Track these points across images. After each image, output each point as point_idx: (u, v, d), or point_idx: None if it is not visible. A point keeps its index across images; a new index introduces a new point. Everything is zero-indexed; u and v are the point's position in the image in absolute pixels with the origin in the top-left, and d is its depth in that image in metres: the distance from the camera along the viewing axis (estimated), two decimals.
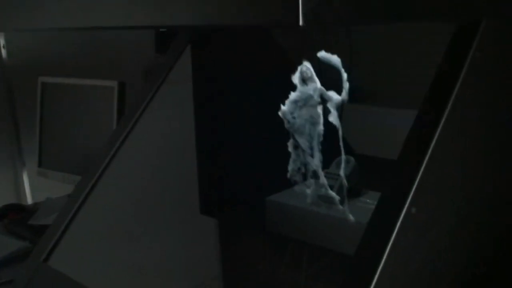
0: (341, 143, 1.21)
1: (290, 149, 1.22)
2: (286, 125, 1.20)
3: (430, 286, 0.86)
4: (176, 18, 0.66)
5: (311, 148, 1.22)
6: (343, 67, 1.73)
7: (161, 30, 1.75)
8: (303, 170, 1.22)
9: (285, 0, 0.58)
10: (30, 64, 2.14)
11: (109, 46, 2.25)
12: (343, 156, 1.22)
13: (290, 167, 1.22)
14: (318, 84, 1.22)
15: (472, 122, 0.89)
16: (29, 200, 2.20)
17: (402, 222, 0.79)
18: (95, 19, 0.81)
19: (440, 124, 0.83)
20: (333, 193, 1.21)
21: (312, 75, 1.22)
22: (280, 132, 1.23)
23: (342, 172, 1.21)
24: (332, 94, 1.21)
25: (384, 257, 0.78)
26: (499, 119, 0.94)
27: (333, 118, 1.19)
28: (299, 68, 1.21)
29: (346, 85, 1.18)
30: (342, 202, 1.20)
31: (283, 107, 1.21)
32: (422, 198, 0.81)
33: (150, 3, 0.69)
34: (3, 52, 2.12)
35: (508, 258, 0.99)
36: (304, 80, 1.22)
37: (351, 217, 1.16)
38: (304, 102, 1.22)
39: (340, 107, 1.21)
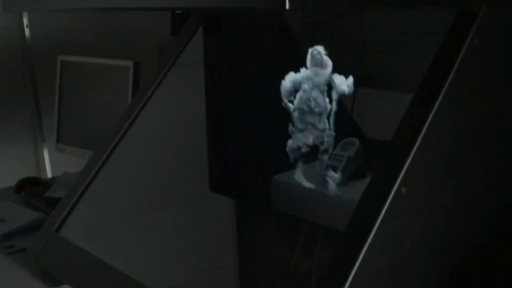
0: (328, 125, 1.24)
1: (291, 127, 1.25)
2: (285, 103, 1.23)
3: (421, 266, 0.89)
4: (173, 1, 0.70)
5: (314, 127, 1.26)
6: (357, 51, 1.75)
7: (176, 12, 1.78)
8: (303, 148, 1.25)
9: None
10: (51, 43, 2.19)
11: (127, 27, 2.29)
12: (326, 138, 1.25)
13: (290, 144, 1.25)
14: (328, 68, 1.25)
15: (466, 107, 0.90)
16: (49, 174, 2.25)
17: (391, 201, 0.82)
18: (112, 1, 0.84)
19: (434, 108, 0.85)
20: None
21: (322, 59, 1.24)
22: (288, 113, 1.26)
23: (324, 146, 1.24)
24: (340, 82, 1.23)
25: (372, 234, 0.80)
26: (493, 105, 0.95)
27: (333, 104, 1.23)
28: (310, 50, 1.23)
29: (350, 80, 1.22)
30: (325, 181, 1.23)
31: (288, 82, 1.23)
32: (412, 179, 0.83)
33: None
34: (27, 31, 2.17)
35: (498, 239, 1.01)
36: (315, 64, 1.24)
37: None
38: (312, 83, 1.25)
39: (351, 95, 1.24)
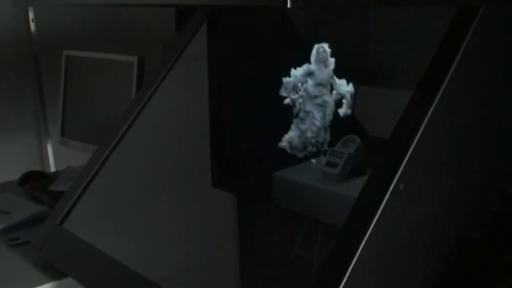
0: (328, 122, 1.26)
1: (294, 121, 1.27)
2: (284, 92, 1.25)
3: (418, 259, 0.90)
4: None
5: (315, 124, 1.27)
6: (359, 49, 1.75)
7: (180, 8, 1.80)
8: (304, 144, 1.27)
9: None
10: (56, 37, 2.20)
11: (132, 22, 2.31)
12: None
13: (288, 137, 1.26)
14: (331, 66, 1.26)
15: (464, 105, 0.91)
16: (52, 168, 2.27)
17: (389, 197, 0.83)
18: None
19: (432, 106, 0.86)
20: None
21: (327, 57, 1.25)
22: (290, 108, 1.27)
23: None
24: (340, 83, 1.25)
25: (370, 229, 0.82)
26: (492, 104, 0.96)
27: (332, 103, 1.24)
28: (316, 46, 1.24)
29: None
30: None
31: (292, 76, 1.25)
32: (410, 175, 0.85)
33: None
34: (32, 25, 2.19)
35: (496, 235, 1.02)
36: (319, 61, 1.26)
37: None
38: (315, 79, 1.26)
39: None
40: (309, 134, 1.26)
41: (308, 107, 1.26)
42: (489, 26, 0.91)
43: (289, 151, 1.28)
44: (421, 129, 0.85)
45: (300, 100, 1.26)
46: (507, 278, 1.02)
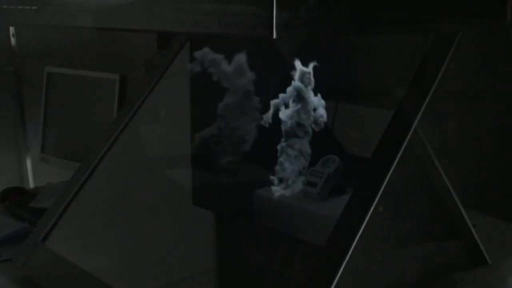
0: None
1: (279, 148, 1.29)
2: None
3: (399, 276, 0.92)
4: (162, 24, 0.73)
5: (297, 147, 1.29)
6: (338, 67, 1.77)
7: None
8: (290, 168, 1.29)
9: (259, 14, 0.64)
10: (37, 54, 2.20)
11: (114, 40, 2.32)
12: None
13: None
14: (311, 88, 1.29)
15: (443, 128, 0.94)
16: (32, 184, 2.26)
17: (369, 219, 0.85)
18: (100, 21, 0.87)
19: (410, 130, 0.89)
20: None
21: (311, 81, 1.28)
22: (272, 127, 1.29)
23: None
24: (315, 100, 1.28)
25: (351, 249, 0.84)
26: (470, 125, 0.99)
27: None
28: (303, 68, 1.27)
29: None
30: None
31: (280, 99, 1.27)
32: (390, 197, 0.87)
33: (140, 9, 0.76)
34: (13, 40, 2.19)
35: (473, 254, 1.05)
36: (303, 82, 1.28)
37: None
38: (299, 101, 1.28)
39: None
40: (295, 157, 1.30)
41: (295, 128, 1.29)
42: (466, 52, 0.94)
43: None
44: (399, 153, 0.88)
45: (288, 122, 1.29)
46: None
